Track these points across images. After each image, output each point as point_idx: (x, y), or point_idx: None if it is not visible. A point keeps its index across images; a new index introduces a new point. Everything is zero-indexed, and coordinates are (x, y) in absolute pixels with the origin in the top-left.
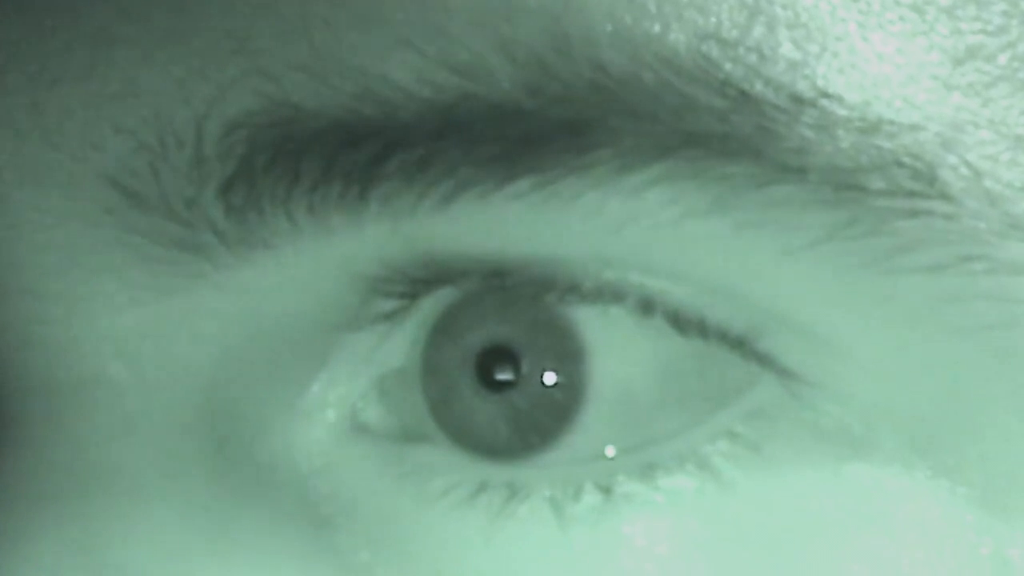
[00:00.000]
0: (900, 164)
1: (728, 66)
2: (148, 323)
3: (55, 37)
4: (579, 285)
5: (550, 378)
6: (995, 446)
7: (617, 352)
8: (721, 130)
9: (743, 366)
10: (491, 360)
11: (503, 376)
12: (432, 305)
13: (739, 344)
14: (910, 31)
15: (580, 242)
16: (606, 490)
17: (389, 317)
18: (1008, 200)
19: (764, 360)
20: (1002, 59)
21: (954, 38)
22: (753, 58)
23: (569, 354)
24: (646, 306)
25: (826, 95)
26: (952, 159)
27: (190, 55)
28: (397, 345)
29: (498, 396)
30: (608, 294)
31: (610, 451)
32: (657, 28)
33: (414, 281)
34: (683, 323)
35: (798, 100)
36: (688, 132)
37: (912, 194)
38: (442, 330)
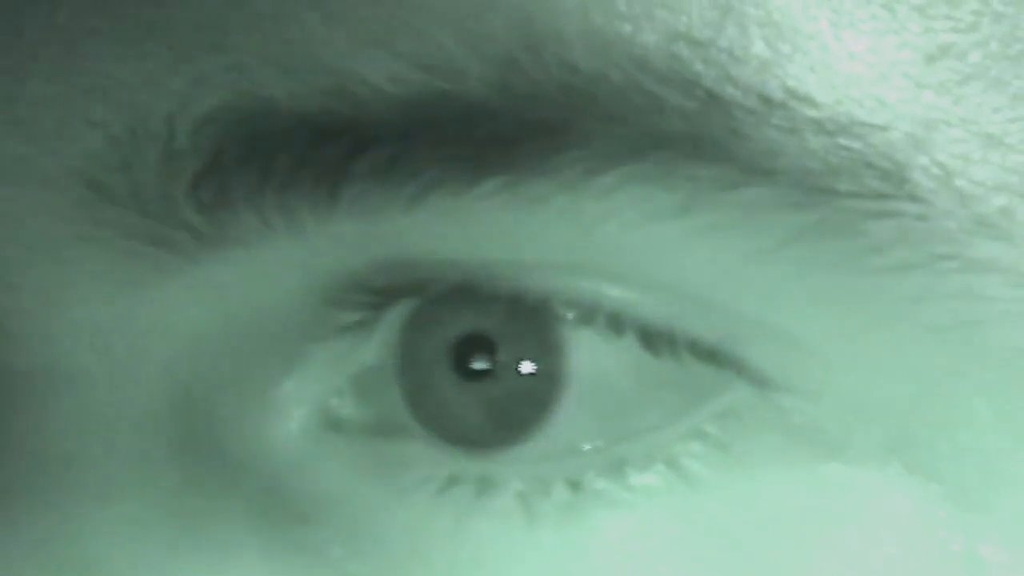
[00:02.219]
0: (869, 165)
1: (698, 67)
2: (119, 316)
3: (27, 30)
4: (549, 301)
5: (527, 367)
6: (967, 443)
7: (594, 347)
8: (690, 132)
9: (716, 373)
10: (468, 349)
11: (480, 365)
12: (399, 313)
13: (711, 356)
14: (882, 29)
15: (550, 246)
16: (575, 486)
17: (355, 327)
18: (978, 199)
19: (737, 367)
20: (974, 56)
21: (926, 36)
22: (724, 58)
23: (547, 344)
24: (617, 325)
25: (796, 96)
26: (923, 159)
27: (162, 49)
28: (369, 347)
29: (475, 385)
30: (579, 312)
31: (584, 447)
32: (628, 28)
33: (379, 292)
34: (655, 342)
35: (767, 101)
36: (658, 134)
37: (881, 195)
38: (418, 321)
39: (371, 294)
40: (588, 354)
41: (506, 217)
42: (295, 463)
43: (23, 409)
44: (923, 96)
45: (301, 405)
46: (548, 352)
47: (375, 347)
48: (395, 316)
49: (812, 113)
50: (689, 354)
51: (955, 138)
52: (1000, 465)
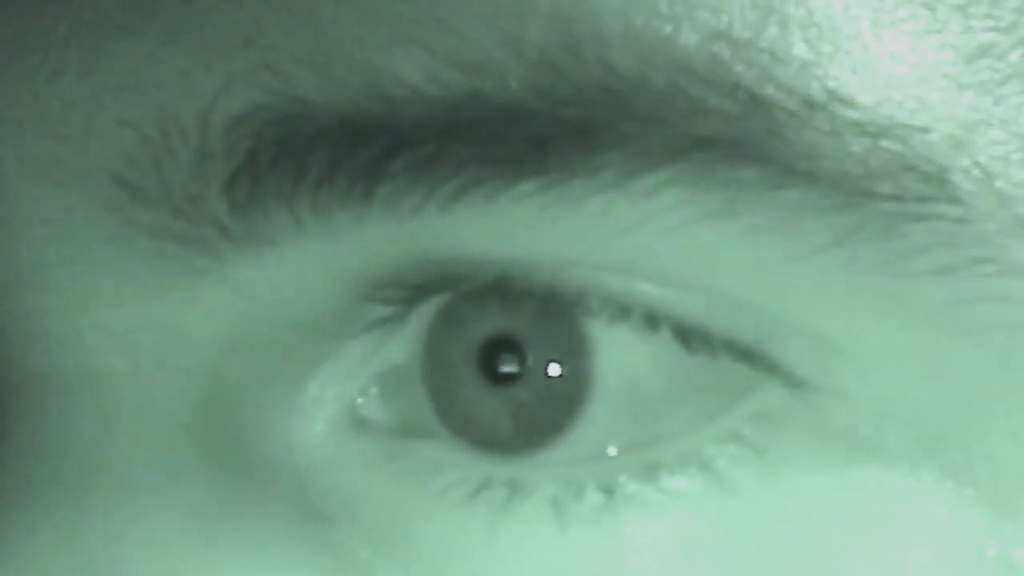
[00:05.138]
0: (910, 168)
1: (739, 68)
2: (148, 317)
3: (58, 28)
4: (584, 297)
5: (555, 370)
6: (1003, 447)
7: (624, 347)
8: (731, 134)
9: (750, 373)
10: (495, 352)
11: (508, 368)
12: (430, 309)
13: (746, 355)
14: (923, 29)
15: (586, 246)
16: (608, 490)
17: (386, 322)
18: (1018, 201)
19: (771, 368)
20: (1014, 56)
21: (966, 36)
22: (765, 59)
23: (575, 346)
24: (652, 322)
25: (837, 98)
26: (963, 161)
27: (195, 47)
28: (397, 345)
29: (503, 389)
30: (614, 308)
31: (612, 450)
32: (668, 29)
33: (412, 287)
34: (690, 338)
35: (809, 104)
36: (698, 136)
37: (922, 198)
38: (445, 323)
39: (403, 289)
40: (617, 356)
41: (543, 218)
42: (322, 464)
43: (51, 410)
44: (964, 97)
45: (327, 406)
46: (576, 354)
47: (403, 344)
48: (425, 312)
49: (853, 115)
50: (725, 352)
51: (995, 139)
52: None
